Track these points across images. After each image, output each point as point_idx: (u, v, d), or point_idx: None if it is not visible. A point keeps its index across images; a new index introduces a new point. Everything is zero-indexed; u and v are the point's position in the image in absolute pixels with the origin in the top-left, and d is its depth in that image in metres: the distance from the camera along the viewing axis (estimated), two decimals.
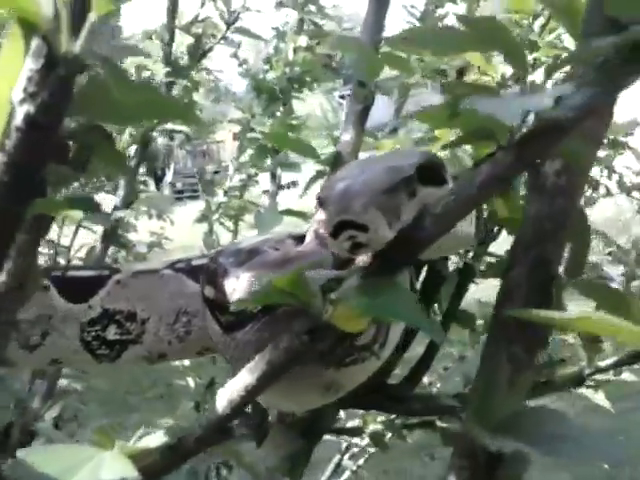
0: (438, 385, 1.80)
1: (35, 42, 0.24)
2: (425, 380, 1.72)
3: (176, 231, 2.66)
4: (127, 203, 1.44)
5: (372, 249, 0.50)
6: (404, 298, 0.46)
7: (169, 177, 15.81)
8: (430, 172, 0.57)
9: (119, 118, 0.41)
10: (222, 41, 1.58)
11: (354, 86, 0.88)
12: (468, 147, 0.88)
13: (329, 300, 0.46)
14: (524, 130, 0.40)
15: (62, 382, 1.58)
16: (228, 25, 1.57)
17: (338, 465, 1.77)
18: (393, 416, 1.16)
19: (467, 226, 0.69)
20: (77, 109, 0.41)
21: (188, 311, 0.88)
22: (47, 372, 1.28)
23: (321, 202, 0.53)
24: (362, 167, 0.56)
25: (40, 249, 1.66)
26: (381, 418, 1.21)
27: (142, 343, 0.88)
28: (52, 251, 1.89)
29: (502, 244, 0.98)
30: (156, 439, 0.42)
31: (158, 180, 16.11)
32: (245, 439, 0.94)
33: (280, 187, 2.22)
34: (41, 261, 1.90)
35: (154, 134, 1.57)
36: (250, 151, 2.08)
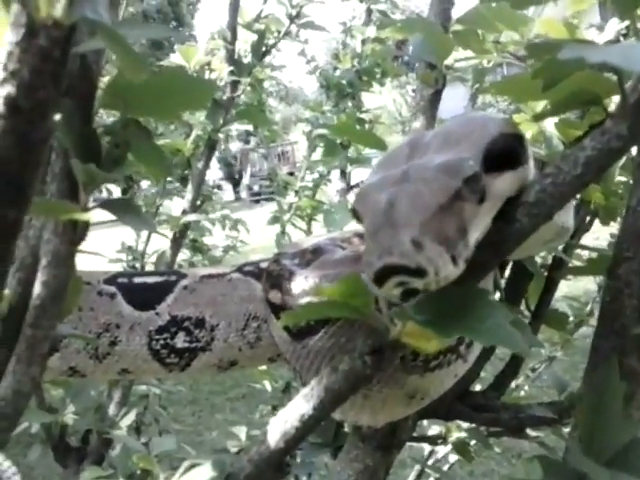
0: (526, 388, 1.68)
1: (14, 8, 0.20)
2: (512, 384, 1.61)
3: (252, 234, 2.67)
4: (195, 206, 1.43)
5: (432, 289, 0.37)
6: (491, 313, 0.36)
7: (246, 180, 16.17)
8: (505, 148, 0.44)
9: (149, 109, 0.37)
10: (286, 37, 1.54)
11: (422, 69, 0.81)
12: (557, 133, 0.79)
13: (397, 314, 0.37)
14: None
15: (141, 388, 1.60)
16: (291, 19, 1.53)
17: (421, 471, 1.70)
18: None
19: (564, 215, 0.56)
20: (108, 103, 0.37)
21: (258, 316, 0.84)
22: (121, 380, 1.29)
23: (357, 216, 0.42)
24: (407, 163, 0.43)
25: (120, 256, 1.68)
26: (466, 424, 1.14)
27: (212, 350, 0.85)
28: (130, 257, 1.92)
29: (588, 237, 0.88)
30: (202, 475, 0.37)
31: (236, 184, 16.54)
32: (318, 451, 0.89)
33: (351, 186, 2.16)
34: (120, 267, 1.94)
35: (230, 139, 1.55)
36: (320, 150, 2.03)
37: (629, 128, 0.32)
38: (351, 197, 2.22)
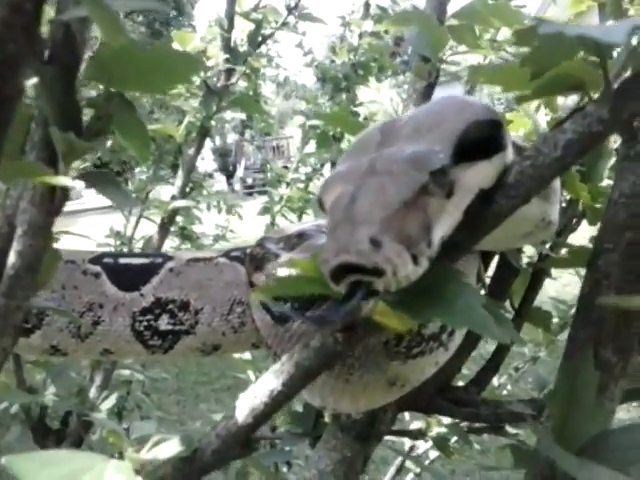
0: (508, 387, 1.69)
1: None
2: (494, 382, 1.62)
3: (242, 224, 2.66)
4: (184, 193, 1.42)
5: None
6: (463, 293, 0.35)
7: (240, 172, 16.14)
8: (480, 135, 0.42)
9: (134, 83, 0.36)
10: (284, 27, 1.54)
11: (415, 61, 0.81)
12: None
13: None
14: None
15: (124, 373, 1.59)
16: (289, 10, 1.53)
17: (401, 467, 1.70)
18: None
19: (545, 207, 0.55)
20: (93, 74, 0.36)
21: (243, 301, 0.85)
22: (103, 362, 1.29)
23: (322, 207, 0.42)
24: (376, 151, 0.42)
25: (108, 241, 1.67)
26: (446, 420, 1.14)
27: (195, 334, 0.85)
28: (118, 242, 1.91)
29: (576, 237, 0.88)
30: (169, 449, 0.37)
31: (229, 176, 16.50)
32: (297, 440, 0.89)
33: None
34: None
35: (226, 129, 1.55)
36: (314, 143, 2.04)
37: (610, 112, 0.32)
38: (318, 186, 2.22)
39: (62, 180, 0.30)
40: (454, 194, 0.39)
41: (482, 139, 0.42)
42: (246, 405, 0.40)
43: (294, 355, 0.40)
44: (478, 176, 0.41)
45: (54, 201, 0.36)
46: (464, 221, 0.39)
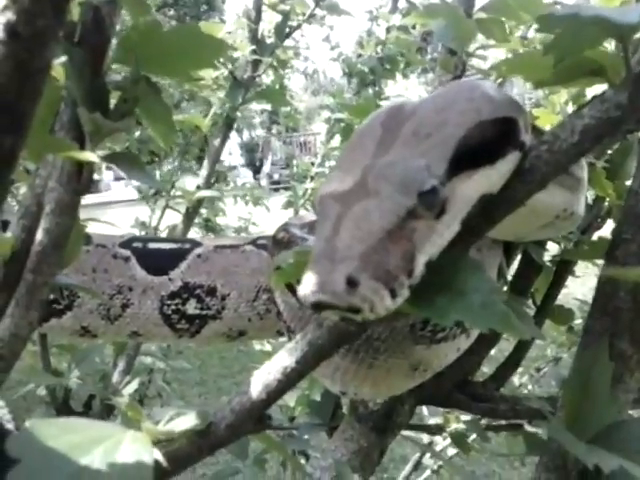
0: (529, 387, 1.68)
1: None
2: (515, 381, 1.61)
3: (266, 218, 2.68)
4: (209, 183, 1.44)
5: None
6: (486, 292, 0.33)
7: (267, 168, 16.20)
8: (484, 138, 0.39)
9: (160, 66, 0.37)
10: (311, 20, 1.54)
11: (442, 54, 0.80)
12: None
13: None
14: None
15: (147, 361, 1.62)
16: (316, 2, 1.53)
17: (418, 463, 1.70)
18: (478, 415, 1.08)
19: (567, 197, 0.53)
20: (121, 57, 0.37)
21: (268, 288, 0.86)
22: (127, 349, 1.31)
23: (315, 211, 0.41)
24: (374, 152, 0.40)
25: (133, 231, 1.70)
26: (465, 417, 1.13)
27: (222, 319, 0.87)
28: (143, 232, 1.94)
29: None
30: (185, 422, 0.38)
31: (256, 171, 16.57)
32: (315, 429, 0.90)
33: None
34: None
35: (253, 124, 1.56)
36: (339, 137, 2.04)
37: (629, 97, 0.31)
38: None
39: (88, 155, 0.31)
40: (446, 212, 0.37)
41: (487, 142, 0.40)
42: (260, 381, 0.41)
43: (307, 334, 0.40)
44: (478, 185, 0.39)
45: (80, 180, 0.37)
46: (481, 207, 0.38)
